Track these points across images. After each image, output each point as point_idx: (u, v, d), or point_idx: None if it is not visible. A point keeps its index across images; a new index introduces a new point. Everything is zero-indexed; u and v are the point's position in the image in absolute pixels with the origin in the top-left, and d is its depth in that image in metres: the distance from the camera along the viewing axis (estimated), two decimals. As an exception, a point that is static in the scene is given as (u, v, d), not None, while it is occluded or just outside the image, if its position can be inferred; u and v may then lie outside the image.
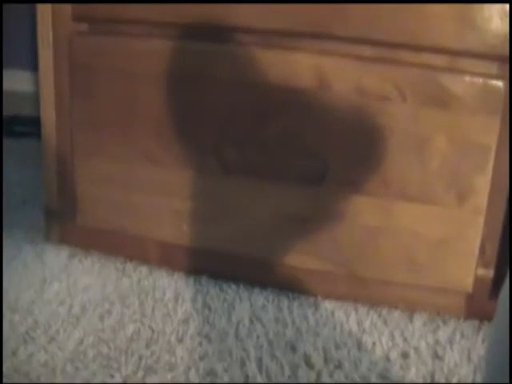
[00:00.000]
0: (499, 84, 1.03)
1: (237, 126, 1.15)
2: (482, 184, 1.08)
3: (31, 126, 1.74)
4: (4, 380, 0.97)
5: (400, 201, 1.11)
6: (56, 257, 1.30)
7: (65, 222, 1.31)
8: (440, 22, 1.03)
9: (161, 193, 1.22)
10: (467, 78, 1.04)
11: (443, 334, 1.12)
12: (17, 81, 2.18)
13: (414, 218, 1.12)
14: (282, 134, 1.13)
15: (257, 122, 1.14)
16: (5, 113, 1.95)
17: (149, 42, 1.17)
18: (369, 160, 1.10)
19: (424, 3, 1.02)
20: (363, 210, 1.13)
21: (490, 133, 1.05)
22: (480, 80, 1.04)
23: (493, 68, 1.03)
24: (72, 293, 1.19)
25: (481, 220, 1.10)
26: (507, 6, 0.99)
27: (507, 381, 0.54)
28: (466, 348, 1.08)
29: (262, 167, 1.16)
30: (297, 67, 1.10)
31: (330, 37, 1.08)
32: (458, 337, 1.11)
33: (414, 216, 1.12)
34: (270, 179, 1.16)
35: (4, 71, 2.15)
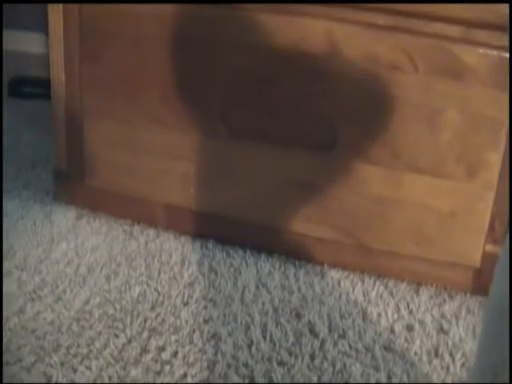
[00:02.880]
0: (513, 56, 1.01)
1: (244, 90, 1.15)
2: (494, 159, 1.06)
3: (41, 88, 1.74)
4: (10, 336, 0.98)
5: (410, 172, 1.10)
6: (64, 217, 1.30)
7: (73, 183, 1.31)
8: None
9: (168, 156, 1.22)
10: (481, 50, 1.02)
11: (449, 308, 1.11)
12: (28, 42, 2.17)
13: (424, 191, 1.11)
14: (290, 99, 1.13)
15: (265, 86, 1.13)
16: (15, 74, 1.94)
17: (157, 5, 1.15)
18: (378, 129, 1.09)
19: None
20: (372, 180, 1.12)
21: (502, 107, 1.04)
22: (494, 52, 1.02)
23: (507, 40, 1.01)
24: (79, 253, 1.19)
25: (491, 195, 1.09)
26: None
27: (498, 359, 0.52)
28: (471, 323, 1.08)
29: (270, 132, 1.15)
30: (307, 32, 1.08)
31: (343, 3, 1.06)
32: (463, 312, 1.11)
33: (423, 188, 1.11)
34: (279, 144, 1.15)
35: (15, 32, 2.13)
